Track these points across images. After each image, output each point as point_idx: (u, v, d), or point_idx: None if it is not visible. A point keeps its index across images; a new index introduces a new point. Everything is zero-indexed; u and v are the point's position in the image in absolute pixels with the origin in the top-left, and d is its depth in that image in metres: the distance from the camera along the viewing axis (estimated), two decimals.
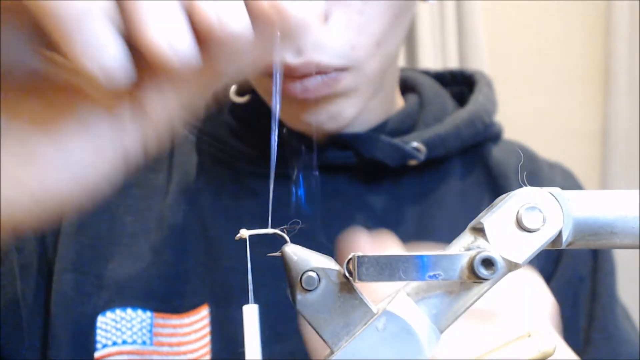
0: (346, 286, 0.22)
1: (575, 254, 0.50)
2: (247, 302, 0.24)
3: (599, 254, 0.50)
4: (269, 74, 0.41)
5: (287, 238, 0.23)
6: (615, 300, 0.49)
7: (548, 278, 0.49)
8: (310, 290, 0.22)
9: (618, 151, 1.54)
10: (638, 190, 0.23)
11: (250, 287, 0.24)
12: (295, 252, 0.22)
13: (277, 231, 0.24)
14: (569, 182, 0.54)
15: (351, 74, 0.41)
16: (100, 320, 0.42)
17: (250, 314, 0.23)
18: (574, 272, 0.49)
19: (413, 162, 0.47)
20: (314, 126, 0.43)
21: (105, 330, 0.42)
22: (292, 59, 0.38)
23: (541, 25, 1.63)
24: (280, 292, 0.42)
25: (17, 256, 0.44)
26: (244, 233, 0.24)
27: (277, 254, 0.23)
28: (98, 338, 0.42)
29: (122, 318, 0.42)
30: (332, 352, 0.22)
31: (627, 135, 1.53)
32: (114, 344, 0.42)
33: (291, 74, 0.39)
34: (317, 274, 0.22)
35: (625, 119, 1.53)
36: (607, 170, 1.56)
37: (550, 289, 0.49)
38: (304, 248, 0.23)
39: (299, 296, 0.22)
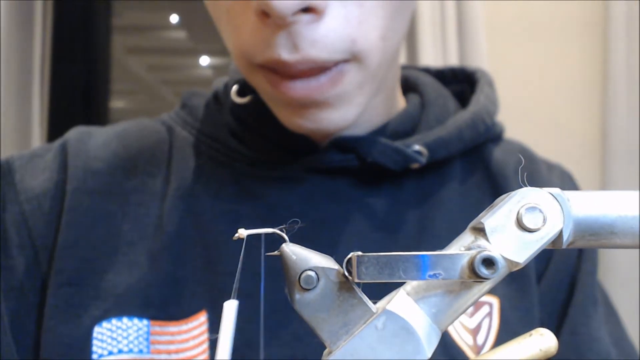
0: (345, 285, 0.22)
1: (565, 253, 0.50)
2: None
3: (583, 253, 0.50)
4: (262, 68, 0.40)
5: (286, 238, 0.23)
6: (592, 300, 0.49)
7: (540, 276, 0.49)
8: (308, 290, 0.22)
9: (618, 151, 1.54)
10: (638, 191, 0.23)
11: (236, 285, 0.24)
12: (294, 252, 0.22)
13: (276, 231, 0.24)
14: (567, 183, 0.54)
15: (355, 65, 0.39)
16: (97, 330, 0.42)
17: (229, 310, 0.23)
18: (562, 272, 0.49)
19: (415, 165, 0.47)
20: (314, 130, 0.43)
21: (101, 341, 0.41)
22: (287, 56, 0.37)
23: (541, 25, 1.63)
24: (280, 295, 0.42)
25: (5, 276, 0.43)
26: (242, 233, 0.24)
27: (276, 253, 0.23)
28: (94, 349, 0.41)
29: (118, 327, 0.42)
30: (330, 352, 0.22)
31: (626, 136, 1.53)
32: (110, 353, 0.41)
33: (287, 71, 0.38)
34: (316, 273, 0.22)
35: (624, 119, 1.53)
36: (607, 170, 1.56)
37: (541, 288, 0.49)
38: (303, 247, 0.23)
39: (298, 295, 0.22)
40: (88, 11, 1.94)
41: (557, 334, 0.48)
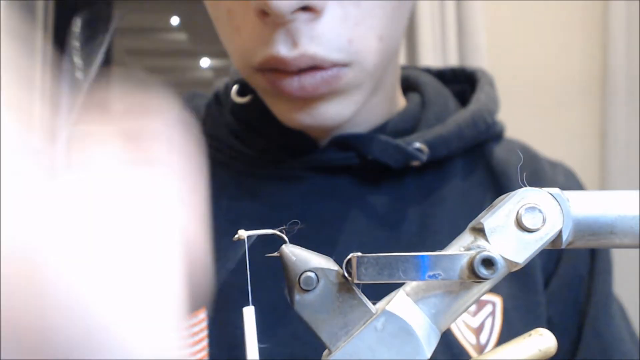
0: (345, 286, 0.22)
1: (576, 253, 0.50)
2: (245, 305, 0.23)
3: (597, 252, 0.50)
4: (261, 70, 0.40)
5: (286, 238, 0.23)
6: (610, 299, 0.49)
7: (549, 277, 0.49)
8: (308, 291, 0.22)
9: (618, 151, 1.54)
10: (638, 190, 0.23)
11: (249, 288, 0.24)
12: (293, 252, 0.22)
13: (276, 232, 0.24)
14: (571, 181, 0.54)
15: (352, 69, 0.40)
16: None
17: (249, 315, 0.23)
18: (574, 272, 0.49)
19: (415, 163, 0.47)
20: (311, 125, 0.43)
21: None
22: (286, 52, 0.38)
23: (541, 25, 1.63)
24: (279, 293, 0.42)
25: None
26: (243, 234, 0.24)
27: (276, 254, 0.23)
28: None
29: None
30: (330, 352, 0.22)
31: (626, 135, 1.53)
32: None
33: (286, 68, 0.38)
34: (316, 274, 0.22)
35: (624, 119, 1.53)
36: (607, 170, 1.56)
37: (551, 288, 0.49)
38: (303, 248, 0.23)
39: (297, 296, 0.22)
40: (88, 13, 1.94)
41: (575, 333, 0.48)
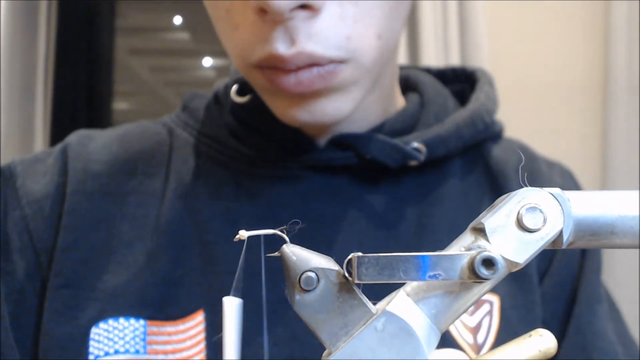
0: (345, 286, 0.22)
1: (569, 253, 0.50)
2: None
3: (587, 252, 0.50)
4: (259, 67, 0.41)
5: (287, 238, 0.23)
6: (596, 298, 0.49)
7: (542, 275, 0.49)
8: (308, 291, 0.22)
9: (618, 151, 1.53)
10: (638, 191, 0.23)
11: (239, 284, 0.24)
12: (294, 252, 0.22)
13: (277, 232, 0.24)
14: (568, 181, 0.54)
15: (349, 66, 0.40)
16: (94, 331, 0.42)
17: (231, 307, 0.23)
18: (566, 271, 0.49)
19: (413, 163, 0.47)
20: (309, 121, 0.43)
21: (98, 342, 0.42)
22: (284, 50, 0.38)
23: (541, 25, 1.63)
24: (279, 293, 0.42)
25: (6, 279, 0.43)
26: (243, 234, 0.24)
27: (276, 254, 0.23)
28: (91, 350, 0.41)
29: (115, 328, 0.42)
30: (330, 353, 0.22)
31: (626, 135, 1.53)
32: (106, 354, 0.41)
33: (284, 66, 0.39)
34: (316, 274, 0.22)
35: (624, 119, 1.53)
36: (607, 170, 1.56)
37: (544, 287, 0.49)
38: (303, 248, 0.23)
39: (298, 296, 0.22)
40: (92, 12, 1.94)
41: (563, 332, 0.48)
